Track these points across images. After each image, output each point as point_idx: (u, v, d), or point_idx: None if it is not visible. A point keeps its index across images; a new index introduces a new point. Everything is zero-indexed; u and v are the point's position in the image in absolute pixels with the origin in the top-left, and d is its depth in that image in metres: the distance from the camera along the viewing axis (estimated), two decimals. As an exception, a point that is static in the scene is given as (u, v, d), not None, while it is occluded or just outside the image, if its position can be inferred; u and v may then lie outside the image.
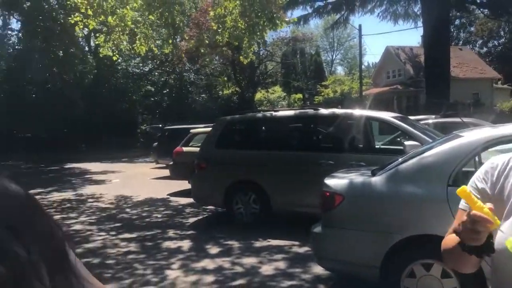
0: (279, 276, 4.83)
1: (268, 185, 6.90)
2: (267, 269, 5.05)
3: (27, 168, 19.59)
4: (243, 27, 9.39)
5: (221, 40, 10.24)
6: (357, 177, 4.18)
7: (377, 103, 25.57)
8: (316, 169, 6.26)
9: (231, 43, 10.85)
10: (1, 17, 24.49)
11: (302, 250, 5.69)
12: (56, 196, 11.08)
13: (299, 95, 35.33)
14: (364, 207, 3.81)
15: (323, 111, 7.41)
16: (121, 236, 6.78)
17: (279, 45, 27.45)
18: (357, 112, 7.41)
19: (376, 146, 7.42)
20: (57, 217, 8.39)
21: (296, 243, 5.96)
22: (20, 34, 24.93)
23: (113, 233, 7.02)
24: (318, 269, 4.77)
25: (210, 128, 9.62)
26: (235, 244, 6.11)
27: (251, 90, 27.81)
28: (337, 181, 4.08)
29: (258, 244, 6.09)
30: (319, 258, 4.18)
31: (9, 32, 25.68)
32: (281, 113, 7.87)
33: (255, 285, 4.57)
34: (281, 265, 5.19)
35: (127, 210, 8.97)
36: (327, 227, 4.01)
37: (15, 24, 24.95)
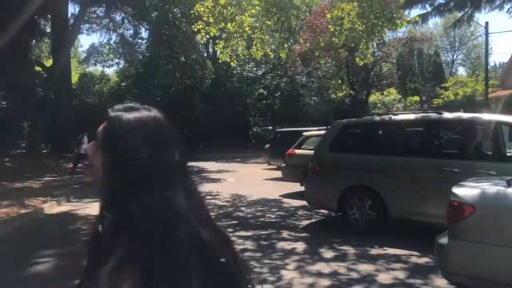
0: (397, 285, 4.65)
1: (386, 191, 6.67)
2: (384, 278, 4.88)
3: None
4: (361, 28, 9.22)
5: (337, 42, 10.16)
6: (490, 187, 3.87)
7: (507, 107, 23.38)
8: (439, 176, 5.93)
9: (346, 44, 10.70)
10: (133, 27, 26.86)
11: (422, 260, 5.41)
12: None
13: (416, 98, 33.66)
14: (499, 220, 3.51)
15: (448, 115, 6.98)
16: (237, 234, 7.03)
17: (395, 46, 26.44)
18: (486, 116, 6.86)
19: (508, 154, 6.79)
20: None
21: (415, 253, 5.69)
22: (147, 42, 27.15)
23: (230, 230, 7.30)
24: (440, 282, 4.50)
25: (324, 131, 9.60)
26: (350, 250, 6.01)
27: (365, 93, 27.14)
28: (467, 191, 3.81)
29: (374, 251, 5.92)
30: (445, 271, 3.94)
31: (139, 40, 28.10)
32: (401, 116, 7.56)
33: (372, 293, 4.45)
34: (400, 274, 4.99)
35: (242, 208, 9.29)
36: (454, 239, 3.76)
37: (144, 33, 27.18)
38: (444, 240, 3.88)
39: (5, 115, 23.11)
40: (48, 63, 25.62)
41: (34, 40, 22.86)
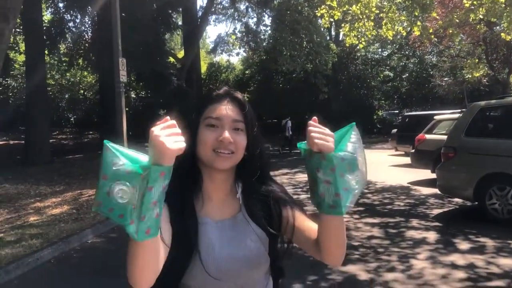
0: (547, 285, 4.20)
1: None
2: (531, 275, 4.45)
3: (275, 150, 21.76)
4: (503, 0, 8.29)
5: (474, 17, 9.30)
6: None
7: None
8: None
9: (485, 19, 9.75)
10: (257, 15, 27.54)
11: None
12: (302, 177, 12.01)
13: None
14: None
15: None
16: (364, 220, 6.93)
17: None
18: None
19: None
20: (303, 196, 9.11)
21: None
22: (270, 29, 27.68)
23: (356, 216, 7.22)
24: None
25: (459, 115, 8.95)
26: (488, 242, 5.56)
27: (506, 71, 24.49)
28: None
29: (518, 245, 5.41)
30: None
31: (263, 28, 28.75)
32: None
33: (516, 291, 4.09)
34: (550, 273, 4.50)
35: (369, 195, 9.10)
36: None
37: (267, 20, 27.72)
38: None
39: (145, 104, 25.41)
40: (180, 54, 27.54)
41: (168, 33, 24.72)
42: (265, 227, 1.29)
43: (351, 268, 4.80)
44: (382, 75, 33.36)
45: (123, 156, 0.98)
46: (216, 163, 1.24)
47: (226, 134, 1.23)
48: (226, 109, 1.27)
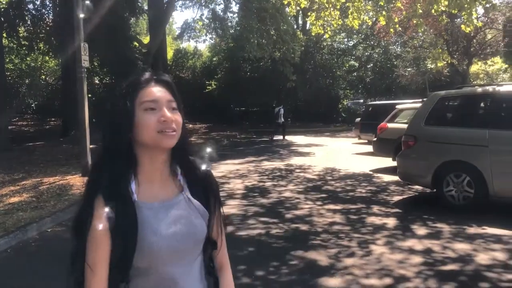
0: (497, 267, 4.39)
1: (486, 168, 6.26)
2: (482, 258, 4.64)
3: (242, 138, 21.80)
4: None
5: (436, 9, 9.50)
6: None
7: None
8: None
9: (447, 11, 9.97)
10: (224, 2, 27.26)
11: (527, 243, 5.05)
12: (268, 164, 12.09)
13: (525, 67, 30.59)
14: None
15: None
16: (326, 207, 7.05)
17: (502, 10, 24.10)
18: None
19: None
20: (268, 184, 9.18)
21: (519, 234, 5.31)
22: (237, 16, 27.49)
23: (319, 203, 7.34)
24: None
25: (419, 104, 9.17)
26: (445, 227, 5.77)
27: (466, 62, 25.22)
28: None
29: (471, 230, 5.63)
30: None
31: (230, 15, 28.51)
32: (507, 87, 6.96)
33: (468, 273, 4.26)
34: (500, 255, 4.71)
35: (331, 182, 9.26)
36: None
37: (234, 7, 27.49)
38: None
39: (109, 90, 24.85)
40: (146, 40, 26.98)
41: (133, 17, 24.17)
42: (206, 203, 1.38)
43: (313, 254, 4.88)
44: (347, 65, 33.79)
45: None
46: (163, 143, 1.29)
47: (168, 113, 1.29)
48: (158, 91, 1.33)
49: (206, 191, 1.41)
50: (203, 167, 1.43)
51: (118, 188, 1.26)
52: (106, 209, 1.23)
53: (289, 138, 20.77)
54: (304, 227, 5.96)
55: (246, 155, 14.41)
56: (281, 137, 20.41)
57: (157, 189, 1.34)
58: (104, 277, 1.22)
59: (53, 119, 24.88)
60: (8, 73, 23.27)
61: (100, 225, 1.21)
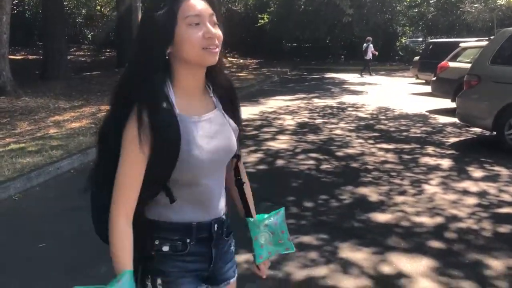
0: (558, 214, 4.23)
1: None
2: (542, 204, 4.47)
3: (293, 75, 21.47)
4: None
5: None
6: None
7: None
8: None
9: None
10: None
11: None
12: (318, 102, 11.92)
13: None
14: None
15: None
16: (378, 146, 6.94)
17: None
18: None
19: None
20: (319, 121, 9.09)
21: None
22: None
23: (371, 141, 7.22)
24: None
25: (485, 42, 8.59)
26: (503, 171, 5.55)
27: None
28: None
29: (532, 175, 5.40)
30: None
31: None
32: None
33: (526, 218, 4.13)
34: (562, 202, 4.51)
35: (385, 122, 9.04)
36: None
37: None
38: None
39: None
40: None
41: None
42: (237, 119, 1.44)
43: (363, 190, 4.87)
44: (408, 0, 31.81)
45: None
46: (206, 60, 1.28)
47: (213, 30, 1.26)
48: (200, 4, 1.26)
49: (233, 106, 1.45)
50: (229, 82, 1.45)
51: (158, 99, 1.24)
52: (146, 118, 1.20)
53: (341, 76, 20.25)
54: (354, 164, 5.91)
55: (297, 92, 14.23)
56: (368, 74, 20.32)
57: (196, 104, 1.34)
58: (136, 188, 1.24)
59: (108, 50, 25.35)
60: (66, 3, 23.64)
61: (138, 132, 1.20)
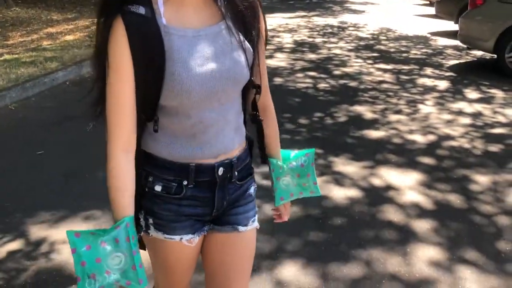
0: (548, 135, 4.30)
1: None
2: (534, 125, 4.53)
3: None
4: None
5: None
6: None
7: None
8: None
9: None
10: None
11: None
12: (319, 20, 11.59)
13: None
14: None
15: None
16: (376, 66, 6.87)
17: None
18: None
19: None
20: (318, 40, 8.90)
21: None
22: None
23: (370, 61, 7.14)
24: None
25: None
26: (498, 93, 5.56)
27: None
28: None
29: (527, 98, 5.42)
30: None
31: None
32: None
33: (517, 138, 4.20)
34: (554, 125, 4.58)
35: (385, 42, 8.86)
36: None
37: None
38: None
39: None
40: None
41: None
42: (255, 39, 1.16)
43: (358, 108, 4.90)
44: None
45: (93, 243, 1.01)
46: None
47: None
48: None
49: (252, 22, 1.14)
50: None
51: (138, 5, 1.02)
52: (122, 32, 1.00)
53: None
54: (352, 83, 5.89)
55: (297, 9, 13.78)
56: None
57: (191, 13, 1.08)
58: (130, 114, 1.06)
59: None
60: None
61: (120, 50, 1.01)
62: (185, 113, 1.09)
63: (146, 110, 1.09)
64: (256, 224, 1.32)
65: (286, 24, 10.76)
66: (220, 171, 1.18)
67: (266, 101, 1.31)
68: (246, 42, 1.13)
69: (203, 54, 1.06)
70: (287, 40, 8.78)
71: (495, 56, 6.64)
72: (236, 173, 1.23)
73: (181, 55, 1.03)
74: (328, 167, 3.50)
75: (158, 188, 1.17)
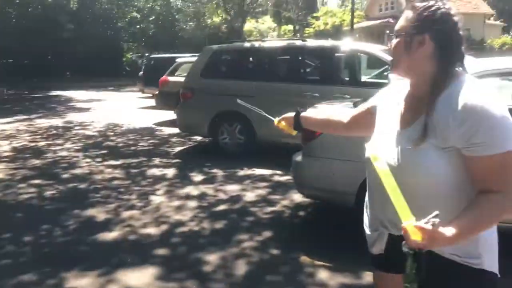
0: (260, 202, 5.00)
1: (254, 116, 6.91)
2: (249, 196, 5.21)
3: (9, 94, 19.26)
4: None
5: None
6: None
7: (368, 36, 25.14)
8: (301, 101, 6.27)
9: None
10: None
11: (284, 178, 5.83)
12: (42, 122, 11.02)
13: (290, 27, 34.50)
14: (342, 137, 3.84)
15: (311, 42, 7.31)
16: (106, 163, 6.85)
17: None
18: (345, 44, 7.34)
19: (362, 80, 7.42)
20: (42, 143, 8.42)
21: (279, 172, 6.11)
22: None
23: (99, 160, 7.09)
24: (297, 196, 4.94)
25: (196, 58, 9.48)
26: (219, 172, 6.24)
27: (240, 20, 27.02)
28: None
29: (242, 172, 6.23)
30: (299, 186, 4.32)
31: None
32: (269, 43, 7.73)
33: (237, 211, 4.73)
34: (263, 192, 5.36)
35: (113, 138, 9.00)
36: (307, 156, 4.10)
37: None
38: (299, 157, 4.21)
39: None
40: None
41: None
42: None
43: (90, 211, 4.73)
44: (130, 16, 32.58)
45: None
46: None
47: None
48: None
49: None
50: None
51: None
52: None
53: (68, 94, 19.22)
54: (82, 185, 5.69)
55: (16, 113, 12.83)
56: None
57: None
58: None
59: None
60: None
61: None
62: None
63: None
64: None
65: (3, 130, 9.84)
66: None
67: None
68: None
69: None
70: (4, 148, 7.99)
71: (212, 139, 7.51)
72: None
73: None
74: (58, 286, 3.19)
75: None
